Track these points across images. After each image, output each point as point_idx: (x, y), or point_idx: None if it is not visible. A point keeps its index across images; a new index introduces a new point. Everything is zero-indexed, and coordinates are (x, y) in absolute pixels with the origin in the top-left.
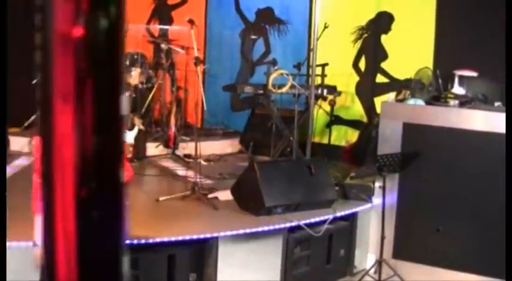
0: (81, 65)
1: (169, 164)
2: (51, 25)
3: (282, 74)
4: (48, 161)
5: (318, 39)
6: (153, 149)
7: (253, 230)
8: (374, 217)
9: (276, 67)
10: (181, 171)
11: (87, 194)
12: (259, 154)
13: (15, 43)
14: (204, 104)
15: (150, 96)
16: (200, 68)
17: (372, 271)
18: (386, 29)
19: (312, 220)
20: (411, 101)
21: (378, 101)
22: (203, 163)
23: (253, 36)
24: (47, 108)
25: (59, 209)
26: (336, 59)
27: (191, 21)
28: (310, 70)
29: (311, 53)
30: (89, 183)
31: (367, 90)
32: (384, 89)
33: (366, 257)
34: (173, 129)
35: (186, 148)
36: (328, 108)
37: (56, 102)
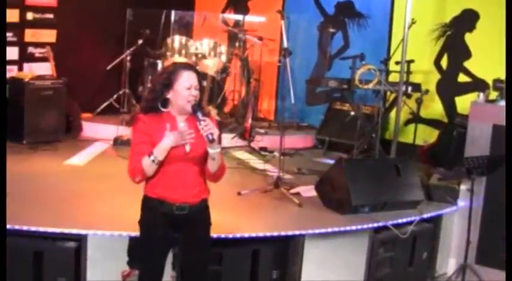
0: None
1: (244, 156)
2: None
3: (369, 69)
4: None
5: (404, 35)
6: (228, 140)
7: (340, 229)
8: (457, 220)
9: (363, 62)
10: (258, 164)
11: None
12: (335, 149)
13: (90, 31)
14: (292, 97)
15: (226, 86)
16: (288, 60)
17: (454, 276)
18: (471, 27)
19: (399, 221)
20: (502, 103)
21: (459, 100)
22: (279, 157)
23: (332, 30)
24: None
25: None
26: (416, 56)
27: (280, 12)
28: (397, 66)
29: (399, 49)
30: None
31: (448, 89)
32: (466, 88)
33: (447, 261)
34: (249, 121)
35: (262, 140)
36: (412, 105)
37: None
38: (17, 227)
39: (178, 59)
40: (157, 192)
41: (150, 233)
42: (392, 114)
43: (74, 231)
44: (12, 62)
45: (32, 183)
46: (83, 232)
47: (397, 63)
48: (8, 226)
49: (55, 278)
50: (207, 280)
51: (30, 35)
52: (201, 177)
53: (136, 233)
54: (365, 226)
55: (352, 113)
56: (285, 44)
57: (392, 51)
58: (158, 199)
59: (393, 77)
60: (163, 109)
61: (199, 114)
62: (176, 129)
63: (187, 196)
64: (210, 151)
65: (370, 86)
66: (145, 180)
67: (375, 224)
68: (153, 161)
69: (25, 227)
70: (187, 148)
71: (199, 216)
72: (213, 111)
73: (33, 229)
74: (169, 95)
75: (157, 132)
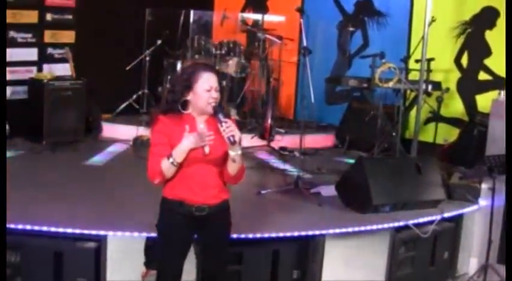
0: None
1: (264, 156)
2: None
3: (390, 67)
4: None
5: (424, 33)
6: (247, 140)
7: (361, 228)
8: (479, 219)
9: (383, 60)
10: (278, 164)
11: None
12: (356, 149)
13: (109, 31)
14: (312, 96)
15: (246, 86)
16: (307, 59)
17: (476, 275)
18: (491, 25)
19: (421, 220)
20: None
21: (480, 99)
22: (299, 156)
23: (351, 29)
24: None
25: None
26: (436, 54)
27: (299, 10)
28: (417, 64)
29: (419, 47)
30: None
31: (468, 87)
32: (486, 86)
33: (468, 261)
34: (269, 120)
35: (281, 140)
36: (432, 104)
37: None
38: (37, 227)
39: (197, 59)
40: (176, 193)
41: (169, 235)
42: (413, 113)
43: (94, 232)
44: (31, 63)
45: (51, 183)
46: (102, 232)
47: (417, 61)
48: (28, 227)
49: (75, 279)
50: (226, 280)
51: (49, 36)
52: (220, 178)
53: (155, 233)
54: (386, 226)
55: (372, 112)
56: (304, 43)
57: (412, 49)
58: (177, 200)
59: (413, 76)
60: (183, 111)
61: (221, 116)
62: (195, 131)
63: (207, 197)
64: (231, 153)
65: (390, 84)
66: (165, 183)
67: (396, 224)
68: (172, 163)
69: (45, 228)
70: (207, 149)
71: (219, 217)
72: (233, 111)
73: (53, 229)
74: (189, 97)
75: (176, 134)
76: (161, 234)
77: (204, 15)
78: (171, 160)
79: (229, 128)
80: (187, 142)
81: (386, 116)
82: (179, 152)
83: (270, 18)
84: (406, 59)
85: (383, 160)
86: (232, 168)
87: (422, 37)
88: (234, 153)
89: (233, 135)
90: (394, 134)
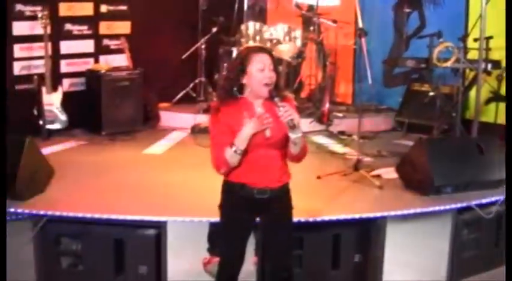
0: None
1: (323, 140)
2: None
3: (447, 47)
4: None
5: (482, 10)
6: (306, 125)
7: (423, 210)
8: None
9: (441, 40)
10: (337, 148)
11: None
12: (415, 131)
13: (164, 21)
14: (369, 77)
15: (302, 71)
16: (364, 41)
17: None
18: None
19: (483, 201)
20: None
21: None
22: (358, 140)
23: (407, 10)
24: None
25: None
26: (495, 32)
27: None
28: (476, 43)
29: (477, 26)
30: None
31: None
32: None
33: None
34: (327, 105)
35: (340, 124)
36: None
37: None
38: (97, 215)
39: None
40: (237, 177)
41: (230, 216)
42: (473, 93)
43: (154, 218)
44: (88, 55)
45: (111, 172)
46: (162, 218)
47: (475, 40)
48: (89, 214)
49: (136, 267)
50: (291, 263)
51: (105, 27)
52: (282, 161)
53: (216, 218)
54: (448, 207)
55: (431, 93)
56: (360, 24)
57: (470, 28)
58: (239, 183)
59: (472, 55)
60: (239, 95)
61: (277, 100)
62: (253, 115)
63: (269, 180)
64: (292, 136)
65: (449, 64)
66: None
67: (458, 205)
68: (235, 151)
69: (105, 216)
70: (267, 133)
71: (281, 200)
72: (290, 96)
73: (113, 217)
74: (245, 80)
75: (235, 120)
76: (223, 215)
77: (259, 1)
78: (234, 148)
79: (287, 112)
80: (248, 129)
81: (446, 97)
82: (241, 140)
83: (324, 2)
84: (464, 38)
85: (444, 140)
86: (294, 150)
87: (480, 15)
88: (295, 136)
89: (292, 119)
90: (454, 114)
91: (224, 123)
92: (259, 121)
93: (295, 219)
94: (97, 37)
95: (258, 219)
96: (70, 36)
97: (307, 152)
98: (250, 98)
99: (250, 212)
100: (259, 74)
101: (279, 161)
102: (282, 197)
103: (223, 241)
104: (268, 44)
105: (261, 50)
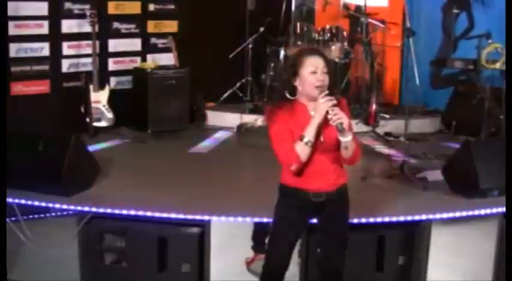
0: None
1: (369, 142)
2: None
3: (496, 48)
4: None
5: None
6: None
7: (469, 213)
8: None
9: (490, 41)
10: (383, 149)
11: None
12: (462, 133)
13: (211, 20)
14: (417, 78)
15: (349, 72)
16: (411, 42)
17: None
18: None
19: None
20: None
21: None
22: (404, 141)
23: (456, 11)
24: None
25: None
26: None
27: None
28: None
29: None
30: None
31: None
32: None
33: None
34: (374, 106)
35: (387, 125)
36: None
37: None
38: (141, 213)
39: (300, 45)
40: (293, 181)
41: (284, 217)
42: None
43: (198, 217)
44: (135, 53)
45: (156, 170)
46: (206, 217)
47: None
48: (133, 212)
49: (179, 264)
50: (343, 265)
51: (152, 26)
52: (336, 164)
53: (259, 218)
54: (494, 211)
55: (479, 95)
56: (408, 24)
57: None
58: (294, 187)
59: None
60: (291, 97)
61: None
62: (307, 118)
63: (324, 184)
64: (342, 139)
65: (498, 65)
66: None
67: (505, 209)
68: (306, 143)
69: (149, 213)
70: (322, 138)
71: (337, 202)
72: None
73: (157, 215)
74: (296, 83)
75: (291, 123)
76: (277, 215)
77: (307, 1)
78: (305, 140)
79: (336, 115)
80: (316, 118)
81: (494, 99)
82: (311, 131)
83: (372, 2)
84: None
85: (490, 143)
86: (345, 154)
87: None
88: (345, 139)
89: (341, 123)
90: (501, 117)
91: (283, 121)
92: (323, 107)
93: None
94: (144, 36)
95: (314, 220)
96: (118, 34)
97: (359, 154)
98: (303, 101)
99: (304, 214)
100: (311, 77)
101: (334, 164)
102: (338, 199)
103: (274, 240)
104: (315, 45)
105: (313, 52)
